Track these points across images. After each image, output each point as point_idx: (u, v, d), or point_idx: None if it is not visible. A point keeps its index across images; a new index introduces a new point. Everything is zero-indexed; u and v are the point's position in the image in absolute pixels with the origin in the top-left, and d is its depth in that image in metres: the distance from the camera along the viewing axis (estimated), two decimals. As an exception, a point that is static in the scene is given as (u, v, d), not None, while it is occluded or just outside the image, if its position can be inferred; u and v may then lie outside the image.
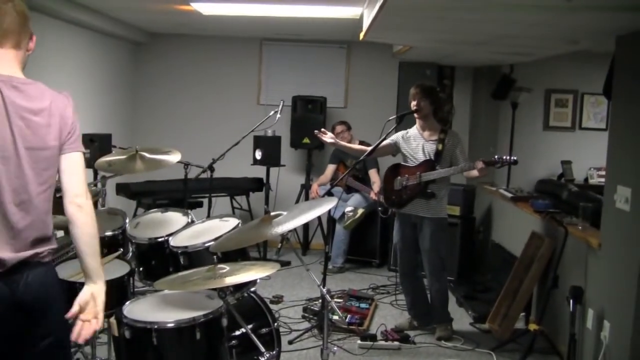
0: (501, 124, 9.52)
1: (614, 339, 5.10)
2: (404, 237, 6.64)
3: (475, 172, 6.07)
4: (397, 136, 6.61)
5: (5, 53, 3.00)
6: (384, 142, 6.41)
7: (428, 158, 6.37)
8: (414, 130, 6.58)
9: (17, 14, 2.97)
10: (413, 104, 6.37)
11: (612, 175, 5.42)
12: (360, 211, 8.56)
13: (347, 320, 6.69)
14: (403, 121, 6.35)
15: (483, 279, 8.25)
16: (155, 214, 5.55)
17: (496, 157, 5.98)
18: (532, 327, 5.85)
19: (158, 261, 4.97)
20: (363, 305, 7.12)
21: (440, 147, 6.33)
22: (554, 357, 6.02)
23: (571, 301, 5.45)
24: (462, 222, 8.53)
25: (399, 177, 6.48)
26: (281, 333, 4.91)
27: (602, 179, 7.48)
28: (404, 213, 6.56)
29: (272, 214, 4.11)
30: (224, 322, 3.86)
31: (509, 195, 7.64)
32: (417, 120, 6.51)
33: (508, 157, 5.93)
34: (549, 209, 6.58)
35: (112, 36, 9.20)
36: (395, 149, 6.62)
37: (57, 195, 5.62)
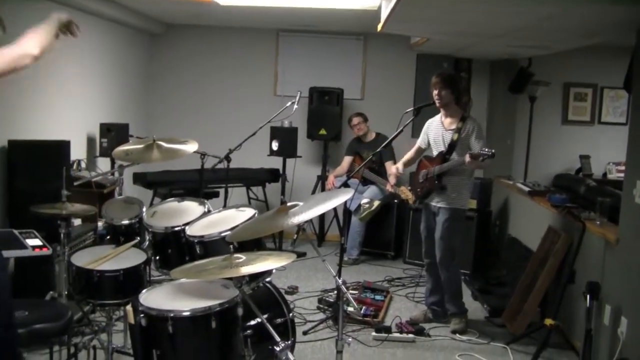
0: (519, 117, 9.48)
1: (632, 335, 5.07)
2: (428, 227, 6.67)
3: (468, 165, 6.13)
4: (423, 131, 6.72)
5: None
6: (415, 147, 6.71)
7: (443, 150, 6.38)
8: (437, 119, 6.61)
9: None
10: (434, 93, 6.37)
11: (631, 170, 5.38)
12: (376, 203, 8.55)
13: (361, 312, 6.69)
14: (420, 113, 6.34)
15: (498, 273, 8.22)
16: (172, 203, 5.55)
17: (482, 150, 5.96)
18: (548, 322, 5.82)
19: (174, 250, 4.97)
20: (378, 297, 7.12)
21: (455, 137, 6.33)
22: (569, 353, 6.00)
23: (588, 296, 5.41)
24: (478, 215, 8.51)
25: (422, 170, 6.53)
26: (296, 323, 4.90)
27: (621, 174, 7.45)
28: (427, 203, 6.60)
29: (289, 204, 4.10)
30: (240, 311, 3.85)
31: (526, 189, 7.61)
32: (441, 109, 6.51)
33: (487, 150, 5.91)
34: (566, 203, 6.55)
35: (129, 27, 9.21)
36: (427, 146, 6.69)
37: (75, 184, 5.66)
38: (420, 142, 6.77)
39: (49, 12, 3.30)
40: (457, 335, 6.49)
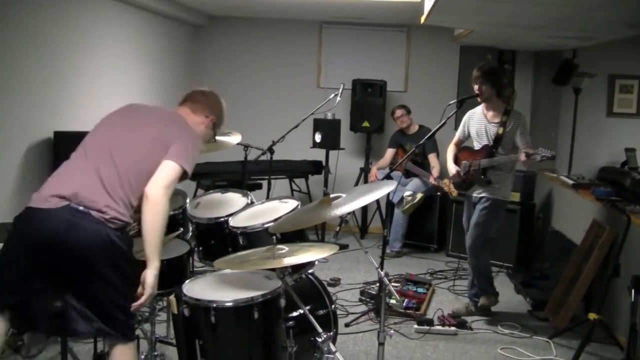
0: (563, 109, 9.38)
1: (676, 329, 5.01)
2: (469, 218, 6.65)
3: (523, 163, 6.12)
4: (463, 123, 6.68)
5: None
6: (456, 140, 6.74)
7: (488, 143, 6.34)
8: (478, 110, 6.56)
9: None
10: (475, 87, 6.33)
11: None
12: (418, 196, 8.53)
13: (403, 304, 6.69)
14: (463, 105, 6.30)
15: (541, 266, 8.17)
16: (215, 195, 5.58)
17: (539, 150, 5.94)
18: (591, 316, 5.76)
19: (217, 241, 5.00)
20: (420, 289, 7.11)
21: (500, 131, 6.29)
22: (612, 348, 5.94)
23: (632, 290, 5.35)
24: (521, 208, 8.45)
25: (464, 162, 6.49)
26: (338, 315, 4.91)
27: (668, 167, 7.35)
28: (469, 195, 6.60)
29: (331, 196, 4.11)
30: (282, 302, 3.87)
31: (570, 182, 7.54)
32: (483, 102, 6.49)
33: (546, 153, 5.88)
34: (610, 196, 6.48)
35: (172, 19, 9.27)
36: (467, 138, 6.68)
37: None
38: (459, 134, 6.74)
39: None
40: (483, 316, 6.62)
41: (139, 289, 3.54)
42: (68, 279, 3.46)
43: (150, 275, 3.53)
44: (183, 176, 3.70)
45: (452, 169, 6.64)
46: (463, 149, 6.71)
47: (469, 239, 6.55)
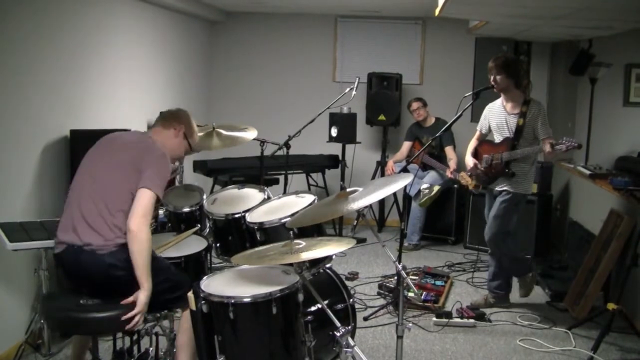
0: (579, 99, 9.34)
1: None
2: (491, 210, 6.64)
3: (548, 155, 6.08)
4: (484, 116, 6.68)
5: None
6: (477, 134, 6.73)
7: (509, 135, 6.32)
8: (498, 103, 6.54)
9: None
10: (491, 78, 6.31)
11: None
12: (436, 188, 8.48)
13: (422, 297, 6.69)
14: (479, 97, 6.28)
15: (560, 257, 8.16)
16: (232, 190, 5.59)
17: (563, 139, 5.91)
18: (611, 306, 5.74)
19: (235, 237, 5.02)
20: (438, 282, 7.11)
21: (521, 122, 6.25)
22: (633, 337, 5.93)
23: (651, 280, 5.36)
24: (539, 199, 8.43)
25: (485, 155, 6.47)
26: (356, 309, 4.92)
27: (686, 156, 7.30)
28: (491, 188, 6.59)
29: (348, 190, 4.11)
30: (300, 297, 3.87)
31: (588, 172, 7.50)
32: (501, 93, 6.46)
33: (572, 142, 5.86)
34: (628, 186, 6.44)
35: (189, 15, 9.30)
36: (488, 131, 6.65)
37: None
38: (480, 127, 6.71)
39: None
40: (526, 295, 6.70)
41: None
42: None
43: (142, 296, 3.93)
44: (157, 200, 4.12)
45: (469, 162, 6.61)
46: (484, 143, 6.66)
47: (488, 231, 6.54)
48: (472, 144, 6.75)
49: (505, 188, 6.40)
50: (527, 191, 6.48)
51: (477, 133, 6.75)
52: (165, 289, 4.15)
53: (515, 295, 6.83)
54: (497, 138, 6.49)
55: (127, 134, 4.65)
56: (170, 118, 4.54)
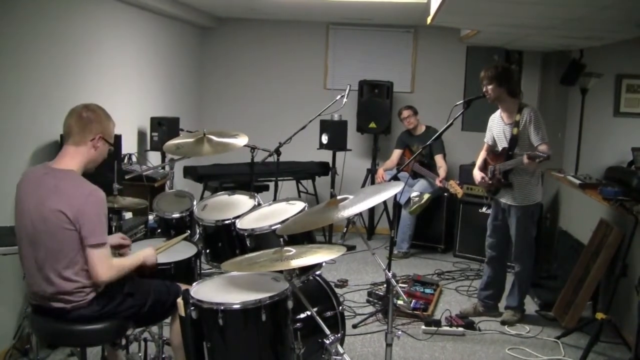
0: (570, 109, 9.38)
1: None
2: (495, 221, 6.67)
3: (527, 165, 6.09)
4: (488, 128, 6.70)
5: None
6: (485, 146, 6.72)
7: (505, 145, 6.33)
8: (497, 114, 6.57)
9: None
10: (483, 89, 6.32)
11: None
12: (426, 196, 8.50)
13: (411, 305, 6.69)
14: (470, 106, 6.28)
15: (549, 266, 8.17)
16: (223, 197, 5.58)
17: (535, 152, 5.92)
18: (599, 316, 5.75)
19: (225, 243, 5.00)
20: (428, 290, 7.12)
21: (515, 131, 6.25)
22: (621, 347, 5.95)
23: (640, 290, 5.36)
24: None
25: (490, 166, 6.48)
26: (346, 317, 4.91)
27: (675, 167, 7.33)
28: (497, 199, 6.58)
29: (338, 197, 4.11)
30: (290, 304, 3.87)
31: (577, 182, 7.53)
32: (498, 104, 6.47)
33: (542, 153, 5.87)
34: (618, 196, 6.46)
35: (180, 21, 9.30)
36: (493, 142, 6.65)
37: (126, 178, 5.73)
38: (487, 139, 6.70)
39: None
40: (506, 327, 6.48)
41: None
42: None
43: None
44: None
45: (476, 176, 6.62)
46: (491, 153, 6.66)
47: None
48: (481, 156, 6.73)
49: (511, 203, 6.40)
50: (535, 200, 6.43)
51: (485, 145, 6.73)
52: (156, 309, 4.08)
53: (504, 304, 6.83)
54: (499, 149, 6.51)
55: (43, 171, 3.85)
56: (82, 131, 3.84)
